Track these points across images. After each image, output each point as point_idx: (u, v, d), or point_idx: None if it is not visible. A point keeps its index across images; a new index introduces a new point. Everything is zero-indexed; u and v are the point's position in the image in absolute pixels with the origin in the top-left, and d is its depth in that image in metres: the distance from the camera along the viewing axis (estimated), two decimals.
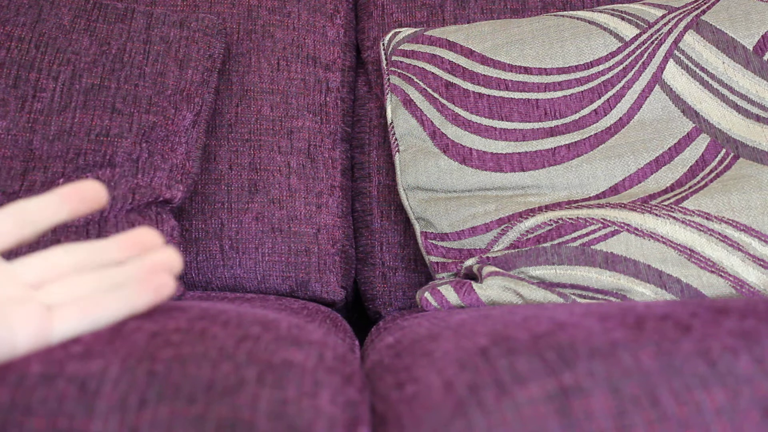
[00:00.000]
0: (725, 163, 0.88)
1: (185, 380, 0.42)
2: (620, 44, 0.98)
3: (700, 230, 0.81)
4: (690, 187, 0.86)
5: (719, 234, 0.80)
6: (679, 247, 0.80)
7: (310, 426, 0.42)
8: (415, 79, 1.03)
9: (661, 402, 0.41)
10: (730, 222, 0.81)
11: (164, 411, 0.40)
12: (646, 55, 0.96)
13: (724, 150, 0.89)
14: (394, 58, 1.07)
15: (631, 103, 0.95)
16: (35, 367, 0.42)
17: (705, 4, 0.98)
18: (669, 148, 0.91)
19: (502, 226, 0.90)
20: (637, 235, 0.82)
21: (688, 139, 0.91)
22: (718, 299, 0.56)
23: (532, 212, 0.90)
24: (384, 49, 1.10)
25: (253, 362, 0.45)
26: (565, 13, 1.05)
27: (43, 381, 0.41)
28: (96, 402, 0.40)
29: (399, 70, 1.05)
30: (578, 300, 0.80)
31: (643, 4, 1.03)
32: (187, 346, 0.46)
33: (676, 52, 0.96)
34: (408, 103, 1.02)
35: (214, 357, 0.45)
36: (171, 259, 0.48)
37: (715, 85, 0.93)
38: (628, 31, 0.99)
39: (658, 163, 0.90)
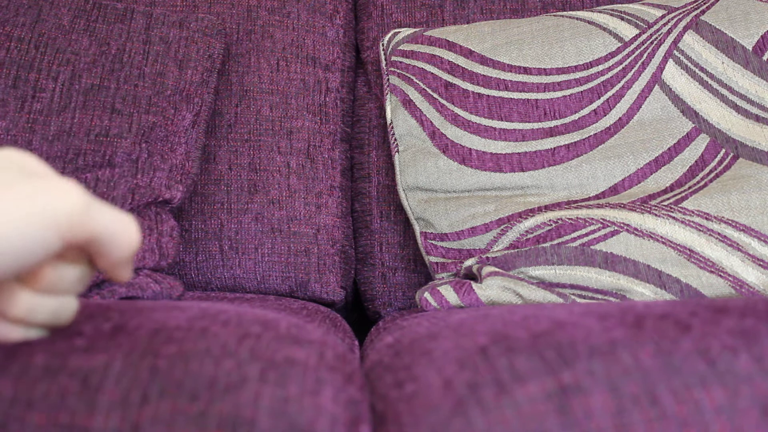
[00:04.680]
0: (725, 163, 0.88)
1: (187, 377, 0.42)
2: (620, 44, 0.98)
3: (700, 230, 0.81)
4: (689, 188, 0.86)
5: (719, 234, 0.80)
6: (678, 247, 0.80)
7: (312, 424, 0.42)
8: (415, 80, 1.03)
9: (661, 401, 0.41)
10: (730, 222, 0.81)
11: (166, 407, 0.40)
12: (645, 56, 0.97)
13: (723, 150, 0.89)
14: (393, 58, 1.07)
15: (631, 104, 0.95)
16: (39, 358, 0.43)
17: (704, 4, 0.98)
18: (668, 149, 0.91)
19: (502, 227, 0.90)
20: (636, 235, 0.82)
21: (687, 139, 0.91)
22: (717, 299, 0.57)
23: (531, 212, 0.90)
24: (383, 50, 1.10)
25: (256, 359, 0.45)
26: (564, 13, 1.05)
27: (45, 374, 0.41)
28: (98, 397, 0.40)
29: (398, 71, 1.05)
30: (578, 300, 0.80)
31: (643, 4, 1.03)
32: (189, 343, 0.46)
33: (675, 52, 0.96)
34: (407, 104, 1.02)
35: (217, 354, 0.45)
36: None
37: (715, 85, 0.93)
38: (628, 31, 0.99)
39: (657, 164, 0.90)
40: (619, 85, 0.96)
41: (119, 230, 0.41)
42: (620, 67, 0.97)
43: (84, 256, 0.42)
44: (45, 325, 0.43)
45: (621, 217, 0.84)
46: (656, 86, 0.95)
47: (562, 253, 0.82)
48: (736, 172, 0.86)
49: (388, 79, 1.06)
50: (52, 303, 0.42)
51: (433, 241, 0.95)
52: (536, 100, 0.98)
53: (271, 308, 0.84)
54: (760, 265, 0.78)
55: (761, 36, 0.94)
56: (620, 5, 1.04)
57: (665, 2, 1.01)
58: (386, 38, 1.11)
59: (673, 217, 0.82)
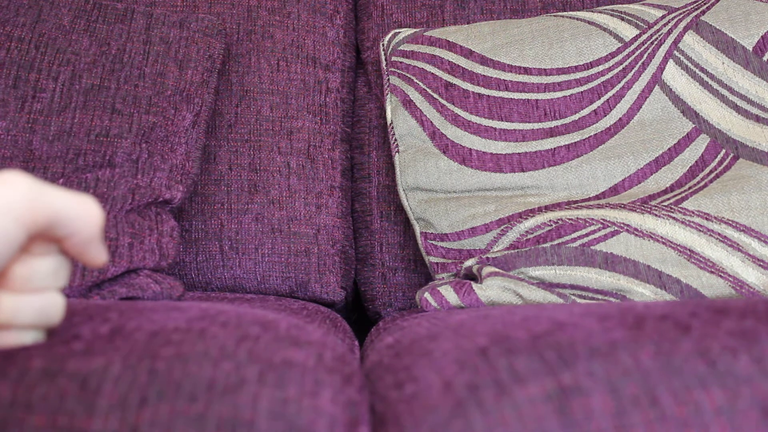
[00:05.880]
0: (725, 163, 0.88)
1: (186, 379, 0.42)
2: (620, 45, 0.98)
3: (700, 230, 0.81)
4: (690, 188, 0.86)
5: (719, 234, 0.80)
6: (678, 247, 0.80)
7: (311, 425, 0.42)
8: (415, 80, 1.03)
9: (661, 402, 0.41)
10: (730, 222, 0.81)
11: (165, 409, 0.40)
12: (645, 56, 0.96)
13: (723, 150, 0.89)
14: (393, 58, 1.07)
15: (631, 104, 0.95)
16: (36, 362, 0.43)
17: (705, 4, 0.98)
18: (669, 149, 0.91)
19: (502, 227, 0.90)
20: (636, 235, 0.82)
21: (687, 139, 0.91)
22: (717, 299, 0.56)
23: (531, 213, 0.90)
24: (384, 50, 1.10)
25: (254, 361, 0.45)
26: (564, 13, 1.05)
27: (44, 377, 0.41)
28: (97, 400, 0.40)
29: (399, 71, 1.05)
30: (578, 300, 0.80)
31: (643, 4, 1.03)
32: (187, 345, 0.46)
33: (675, 52, 0.96)
34: (408, 104, 1.02)
35: (215, 356, 0.45)
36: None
37: (715, 85, 0.93)
38: (628, 31, 0.99)
39: (657, 164, 0.90)
40: (620, 85, 0.96)
41: (79, 208, 0.41)
42: (620, 68, 0.97)
43: (54, 248, 0.42)
44: (34, 326, 0.43)
45: (621, 217, 0.84)
46: (656, 86, 0.95)
47: (563, 254, 0.82)
48: (736, 173, 0.86)
49: (389, 80, 1.06)
50: (34, 301, 0.42)
51: (433, 242, 0.95)
52: (536, 100, 0.98)
53: (271, 309, 0.84)
54: (760, 265, 0.78)
55: (761, 36, 0.94)
56: (620, 5, 1.04)
57: (665, 2, 1.01)
58: (386, 38, 1.11)
59: (674, 218, 0.82)
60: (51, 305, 0.43)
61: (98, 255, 0.43)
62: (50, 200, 0.39)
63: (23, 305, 0.42)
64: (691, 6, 0.99)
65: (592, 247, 0.82)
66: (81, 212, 0.41)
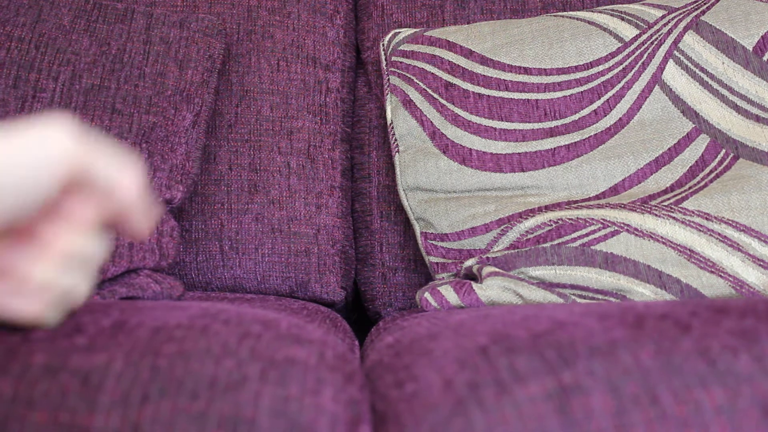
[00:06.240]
0: (725, 163, 0.88)
1: (188, 376, 0.42)
2: (620, 45, 0.98)
3: (700, 230, 0.81)
4: (690, 188, 0.86)
5: (719, 234, 0.80)
6: (678, 247, 0.80)
7: (313, 423, 0.42)
8: (415, 80, 1.03)
9: (661, 401, 0.41)
10: (730, 222, 0.81)
11: (166, 407, 0.40)
12: (645, 56, 0.97)
13: (723, 150, 0.89)
14: (393, 58, 1.07)
15: (631, 104, 0.95)
16: (38, 357, 0.43)
17: (705, 4, 0.98)
18: (669, 149, 0.91)
19: (502, 227, 0.90)
20: (636, 235, 0.82)
21: (687, 139, 0.91)
22: (717, 299, 0.57)
23: (531, 212, 0.90)
24: (384, 50, 1.10)
25: (256, 359, 0.45)
26: (564, 13, 1.05)
27: (46, 373, 0.41)
28: (98, 396, 0.40)
29: (399, 71, 1.05)
30: (578, 300, 0.80)
31: (643, 4, 1.03)
32: (189, 342, 0.46)
33: (675, 52, 0.96)
34: (408, 104, 1.02)
35: (217, 353, 0.45)
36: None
37: (715, 85, 0.93)
38: (628, 31, 0.99)
39: (657, 164, 0.90)
40: (620, 85, 0.96)
41: (118, 173, 0.40)
42: (620, 68, 0.97)
43: (100, 232, 0.42)
44: (60, 303, 0.42)
45: (621, 217, 0.84)
46: (656, 86, 0.95)
47: (563, 254, 0.83)
48: (736, 173, 0.86)
49: (389, 80, 1.06)
50: (69, 279, 0.41)
51: (433, 242, 0.95)
52: (536, 100, 0.98)
53: (272, 308, 0.84)
54: (760, 265, 0.78)
55: (761, 36, 0.94)
56: (620, 5, 1.04)
57: (665, 2, 1.02)
58: (386, 38, 1.11)
59: (674, 218, 0.82)
60: (79, 289, 0.42)
61: (140, 224, 0.42)
62: (91, 158, 0.38)
63: (61, 277, 0.41)
64: (691, 6, 0.99)
65: (592, 247, 0.82)
66: (120, 176, 0.40)
